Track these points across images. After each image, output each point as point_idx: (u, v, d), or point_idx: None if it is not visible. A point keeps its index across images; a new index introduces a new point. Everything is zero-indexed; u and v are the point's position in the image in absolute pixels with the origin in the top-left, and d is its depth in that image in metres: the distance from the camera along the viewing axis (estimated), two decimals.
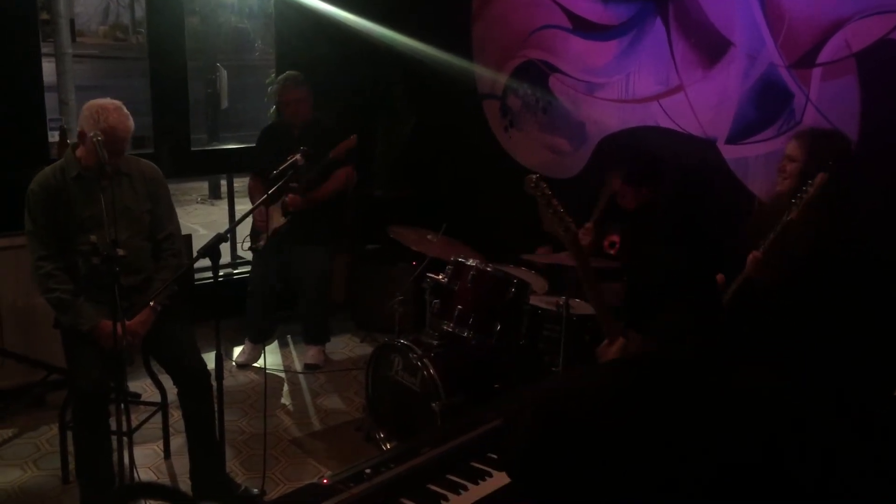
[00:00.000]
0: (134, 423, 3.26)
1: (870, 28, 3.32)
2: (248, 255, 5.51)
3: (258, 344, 4.83)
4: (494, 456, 2.31)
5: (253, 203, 4.75)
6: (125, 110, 3.21)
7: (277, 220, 4.50)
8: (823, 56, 3.48)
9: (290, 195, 4.43)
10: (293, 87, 4.59)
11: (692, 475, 1.63)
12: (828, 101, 3.50)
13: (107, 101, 3.20)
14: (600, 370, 2.04)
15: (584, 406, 1.69)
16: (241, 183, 6.41)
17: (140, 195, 3.35)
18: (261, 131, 4.92)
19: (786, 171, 3.18)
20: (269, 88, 6.05)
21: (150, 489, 2.51)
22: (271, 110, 6.10)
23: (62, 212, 3.20)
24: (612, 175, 3.84)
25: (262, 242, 4.53)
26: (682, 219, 3.79)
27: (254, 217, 4.39)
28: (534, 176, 2.96)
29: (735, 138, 3.86)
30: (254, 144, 4.91)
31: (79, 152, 3.24)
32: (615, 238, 3.87)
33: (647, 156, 3.94)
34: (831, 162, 2.87)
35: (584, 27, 4.48)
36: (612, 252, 3.87)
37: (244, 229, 4.62)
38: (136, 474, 3.09)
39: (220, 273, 3.05)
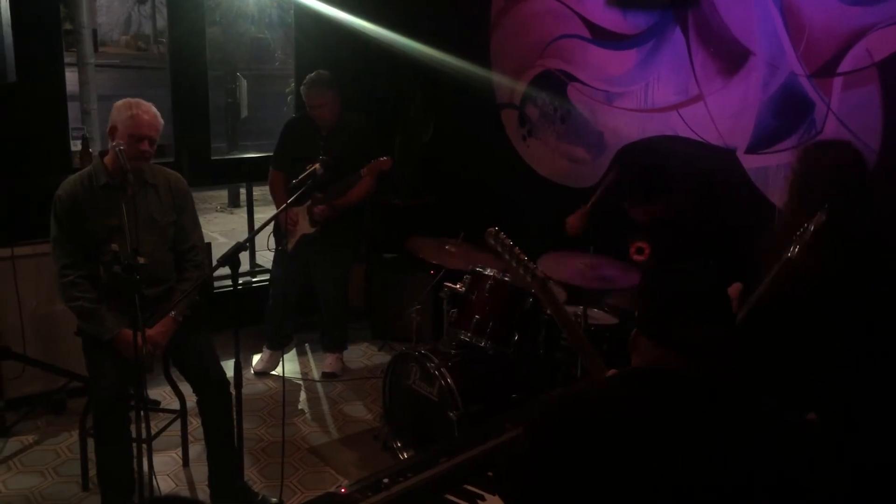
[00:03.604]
0: (153, 431, 3.28)
1: (891, 37, 3.30)
2: (267, 264, 5.53)
3: (276, 351, 4.85)
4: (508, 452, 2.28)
5: (274, 196, 4.79)
6: (153, 108, 3.28)
7: (305, 227, 4.51)
8: (845, 65, 3.46)
9: (319, 206, 4.43)
10: (318, 91, 4.51)
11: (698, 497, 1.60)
12: (849, 110, 3.47)
13: (139, 99, 3.28)
14: (604, 384, 2.00)
15: (586, 421, 1.65)
16: (260, 192, 6.45)
17: (165, 206, 3.38)
18: (286, 123, 4.84)
19: (787, 185, 3.09)
20: (289, 98, 6.07)
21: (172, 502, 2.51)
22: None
23: (87, 220, 3.23)
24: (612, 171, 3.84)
25: (289, 245, 4.55)
26: (701, 228, 3.76)
27: (279, 218, 4.41)
28: (492, 229, 2.91)
29: (755, 148, 3.84)
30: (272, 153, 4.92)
31: (107, 159, 3.28)
32: (642, 244, 3.84)
33: (651, 171, 3.91)
34: (827, 205, 2.70)
35: (602, 36, 4.47)
36: (639, 258, 3.84)
37: (264, 237, 4.63)
38: (155, 481, 3.10)
39: (240, 281, 3.07)
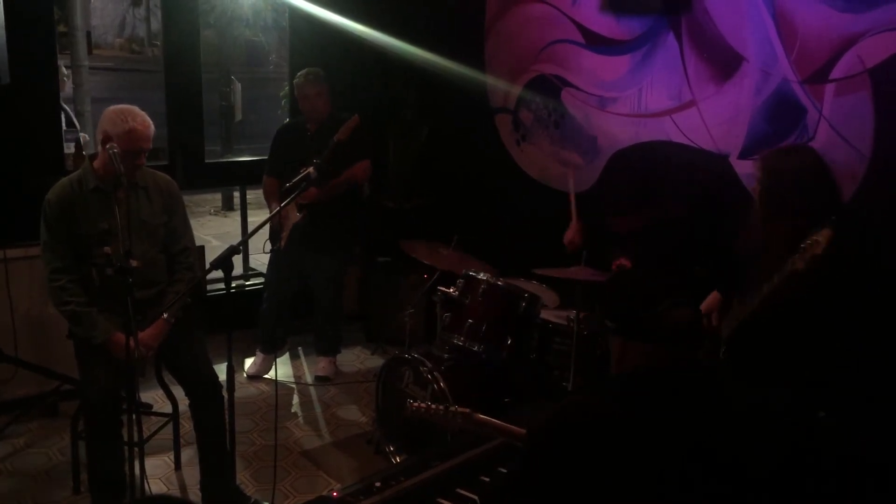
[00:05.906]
0: (145, 434, 3.27)
1: (883, 44, 3.31)
2: (261, 268, 5.53)
3: (269, 355, 4.84)
4: (503, 470, 2.30)
5: (268, 202, 4.79)
6: (147, 117, 3.24)
7: (293, 217, 4.50)
8: (837, 72, 3.47)
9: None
10: (313, 81, 4.58)
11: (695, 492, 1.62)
12: (841, 116, 3.48)
13: (130, 106, 3.23)
14: (599, 391, 2.02)
15: (586, 424, 1.67)
16: (253, 195, 6.44)
17: (156, 208, 3.37)
18: (277, 130, 4.89)
19: (755, 194, 3.09)
20: (284, 101, 6.08)
21: (162, 502, 2.52)
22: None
23: (78, 223, 3.22)
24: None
25: (282, 242, 4.53)
26: (696, 234, 3.76)
27: (273, 221, 4.39)
28: (411, 403, 2.75)
29: (748, 153, 3.85)
30: (267, 157, 4.92)
31: (96, 163, 3.27)
32: (624, 262, 3.82)
33: (632, 183, 3.92)
34: (834, 217, 2.68)
35: (596, 42, 4.48)
36: None
37: (257, 240, 4.62)
38: (146, 485, 3.10)
39: (233, 285, 3.06)
